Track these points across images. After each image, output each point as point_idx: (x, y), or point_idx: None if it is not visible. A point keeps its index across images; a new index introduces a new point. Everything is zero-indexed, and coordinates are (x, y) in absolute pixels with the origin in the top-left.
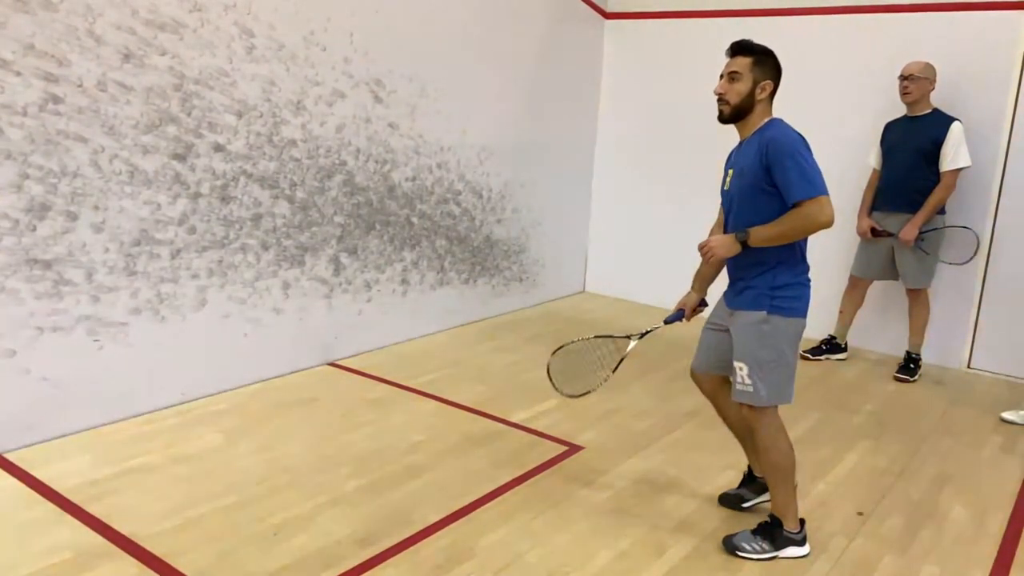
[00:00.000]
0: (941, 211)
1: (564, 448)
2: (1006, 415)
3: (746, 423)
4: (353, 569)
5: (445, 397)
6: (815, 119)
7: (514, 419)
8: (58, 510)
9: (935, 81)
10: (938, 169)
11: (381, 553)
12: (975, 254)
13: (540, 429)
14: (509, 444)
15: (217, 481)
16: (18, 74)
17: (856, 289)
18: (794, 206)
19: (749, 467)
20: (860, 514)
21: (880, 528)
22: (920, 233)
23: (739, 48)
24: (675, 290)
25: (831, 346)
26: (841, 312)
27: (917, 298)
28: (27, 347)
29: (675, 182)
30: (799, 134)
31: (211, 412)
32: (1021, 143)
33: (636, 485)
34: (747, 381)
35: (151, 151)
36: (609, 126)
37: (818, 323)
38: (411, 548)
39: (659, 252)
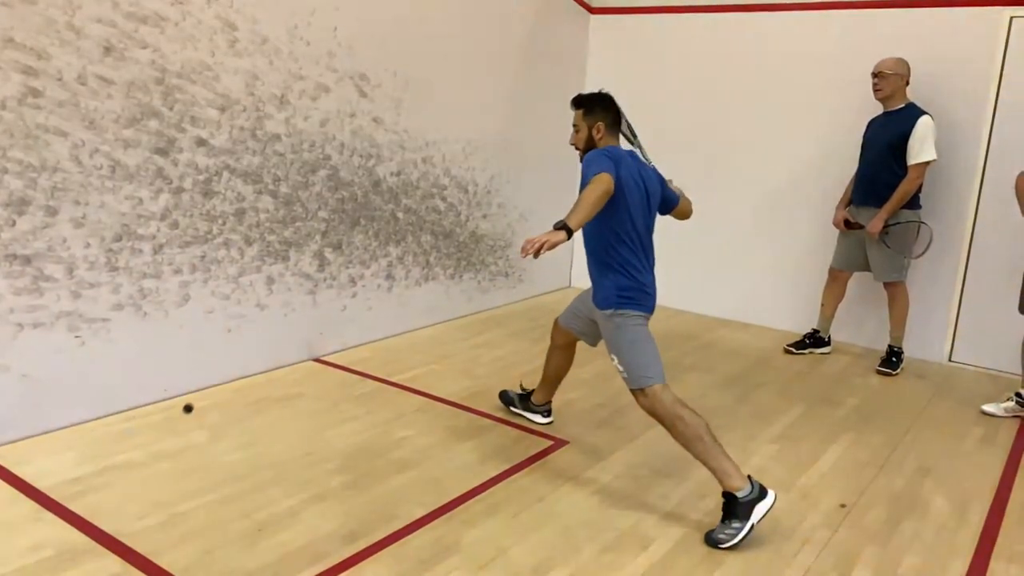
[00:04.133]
0: (916, 205)
1: (550, 443)
2: (987, 407)
3: (560, 373)
4: (338, 564)
5: (431, 392)
6: (794, 114)
7: (500, 414)
8: (39, 508)
9: (908, 76)
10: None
11: (366, 548)
12: (927, 249)
13: (525, 424)
14: (495, 439)
15: (201, 478)
16: None
17: (836, 282)
18: None
19: (533, 391)
20: (843, 506)
21: (862, 520)
22: (886, 227)
23: (573, 103)
24: (660, 284)
25: (814, 340)
26: (823, 306)
27: (894, 292)
28: (7, 344)
29: None
30: (608, 152)
31: (195, 408)
32: (1001, 138)
33: (621, 479)
34: (620, 368)
35: (132, 145)
36: None
37: (801, 317)
38: (396, 543)
39: None
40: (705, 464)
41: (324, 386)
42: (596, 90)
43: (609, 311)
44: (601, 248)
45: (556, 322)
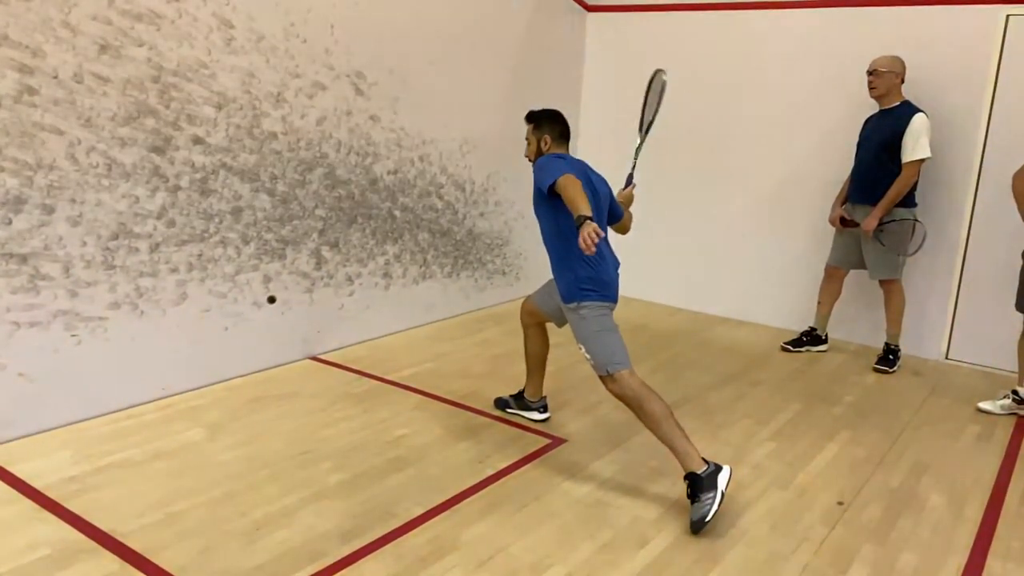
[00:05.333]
0: (911, 203)
1: (547, 441)
2: (983, 405)
3: (541, 356)
4: (336, 563)
5: (428, 391)
6: (790, 112)
7: (498, 412)
8: (36, 507)
9: (903, 74)
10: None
11: (364, 547)
12: (920, 247)
13: (523, 422)
14: (492, 437)
15: (198, 476)
16: None
17: (832, 280)
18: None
19: (524, 388)
20: (840, 503)
21: (859, 517)
22: (881, 225)
23: (525, 119)
24: (657, 282)
25: (811, 338)
26: (819, 303)
27: (891, 289)
28: (3, 343)
29: (655, 175)
30: (557, 156)
31: (192, 407)
32: (998, 136)
33: (618, 477)
34: (588, 357)
35: (129, 144)
36: (591, 119)
37: (798, 315)
38: (394, 541)
39: (640, 244)
40: (668, 446)
41: (321, 384)
42: (547, 107)
43: (573, 304)
44: (559, 244)
45: (525, 303)
